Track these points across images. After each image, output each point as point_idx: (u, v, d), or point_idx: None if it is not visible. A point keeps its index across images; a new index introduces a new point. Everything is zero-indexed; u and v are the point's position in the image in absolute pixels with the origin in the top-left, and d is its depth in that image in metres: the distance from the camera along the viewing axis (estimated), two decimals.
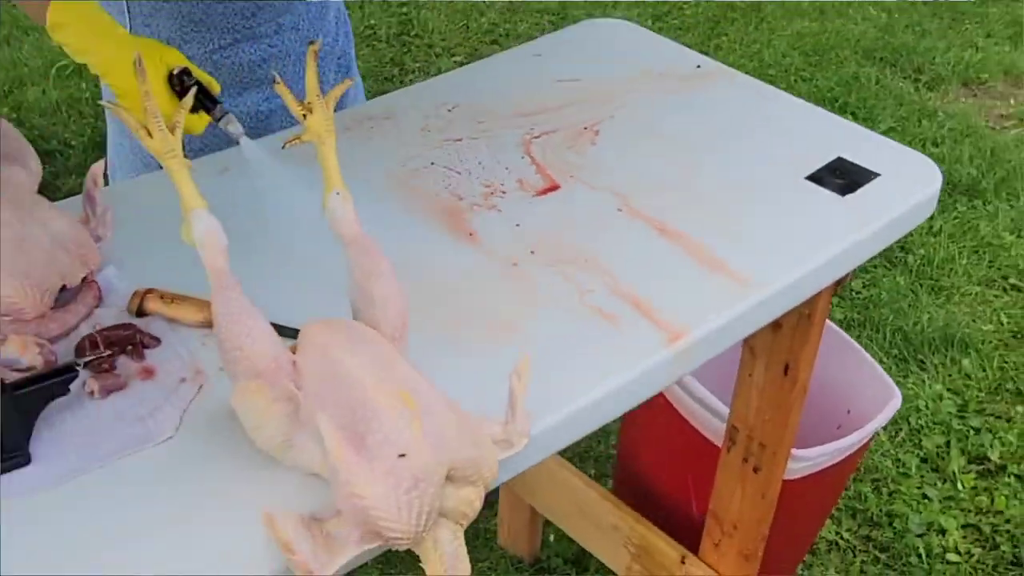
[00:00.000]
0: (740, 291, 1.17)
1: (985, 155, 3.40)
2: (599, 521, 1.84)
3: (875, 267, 2.91)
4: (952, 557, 2.17)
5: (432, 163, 1.38)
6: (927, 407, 2.50)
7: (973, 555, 2.18)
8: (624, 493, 1.99)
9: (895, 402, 1.77)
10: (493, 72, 1.60)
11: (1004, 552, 2.18)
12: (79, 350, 1.04)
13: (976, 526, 2.25)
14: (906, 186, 1.36)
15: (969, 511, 2.27)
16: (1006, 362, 2.65)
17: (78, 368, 0.96)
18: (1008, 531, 2.22)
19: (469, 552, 0.89)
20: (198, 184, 0.96)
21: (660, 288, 1.16)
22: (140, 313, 1.10)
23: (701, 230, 1.26)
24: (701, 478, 1.74)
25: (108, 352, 1.03)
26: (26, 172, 1.14)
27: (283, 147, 1.03)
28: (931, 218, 3.12)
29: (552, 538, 2.18)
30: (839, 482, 1.90)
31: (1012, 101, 3.78)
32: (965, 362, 2.63)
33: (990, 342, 2.70)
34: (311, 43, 1.02)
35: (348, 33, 1.70)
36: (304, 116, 1.01)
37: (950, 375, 2.60)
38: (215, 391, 1.03)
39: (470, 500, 0.90)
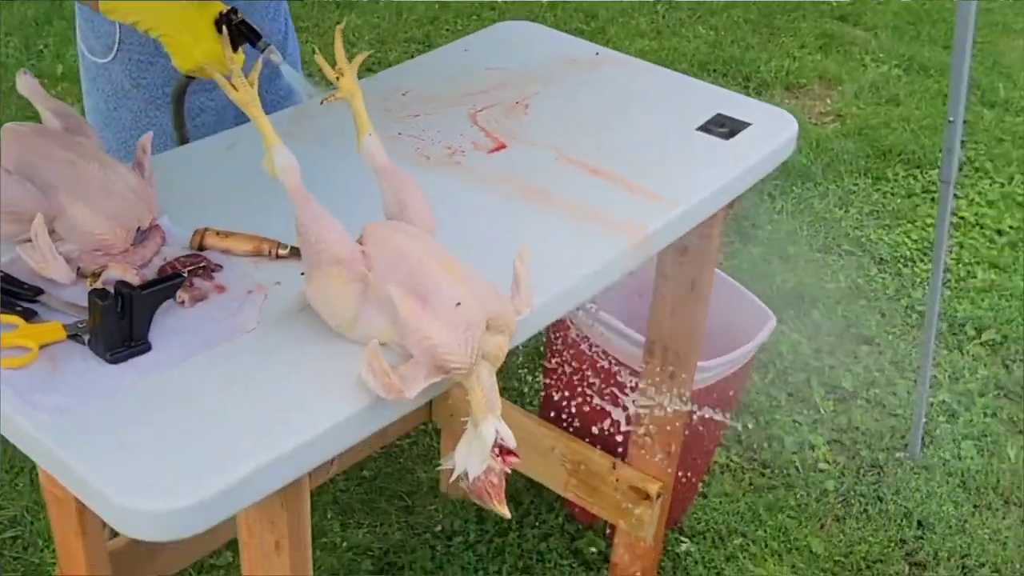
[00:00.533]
0: (664, 207, 1.52)
1: (812, 146, 3.91)
2: (537, 445, 2.15)
3: (732, 242, 3.34)
4: (823, 466, 2.58)
5: (399, 133, 1.68)
6: (788, 352, 2.92)
7: (839, 463, 2.59)
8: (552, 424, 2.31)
9: (771, 323, 2.17)
10: (434, 64, 1.92)
11: (864, 457, 2.60)
12: (161, 273, 1.30)
13: (839, 441, 2.67)
14: (772, 131, 1.75)
15: (832, 429, 2.69)
16: (847, 312, 3.11)
17: (184, 276, 1.22)
18: (865, 441, 2.65)
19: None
20: (211, 160, 1.24)
21: (608, 204, 1.50)
22: (200, 248, 1.36)
23: (624, 169, 1.60)
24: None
25: (189, 271, 1.29)
26: (91, 140, 1.39)
27: (321, 103, 1.32)
28: (774, 200, 3.60)
29: None
30: (732, 395, 2.27)
31: (828, 100, 4.33)
32: (815, 314, 3.07)
33: (832, 297, 3.16)
34: (337, 23, 1.32)
35: (295, 36, 1.99)
36: (337, 79, 1.31)
37: (804, 326, 3.03)
38: (276, 299, 1.30)
39: (500, 346, 1.20)
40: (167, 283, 1.20)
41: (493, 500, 1.23)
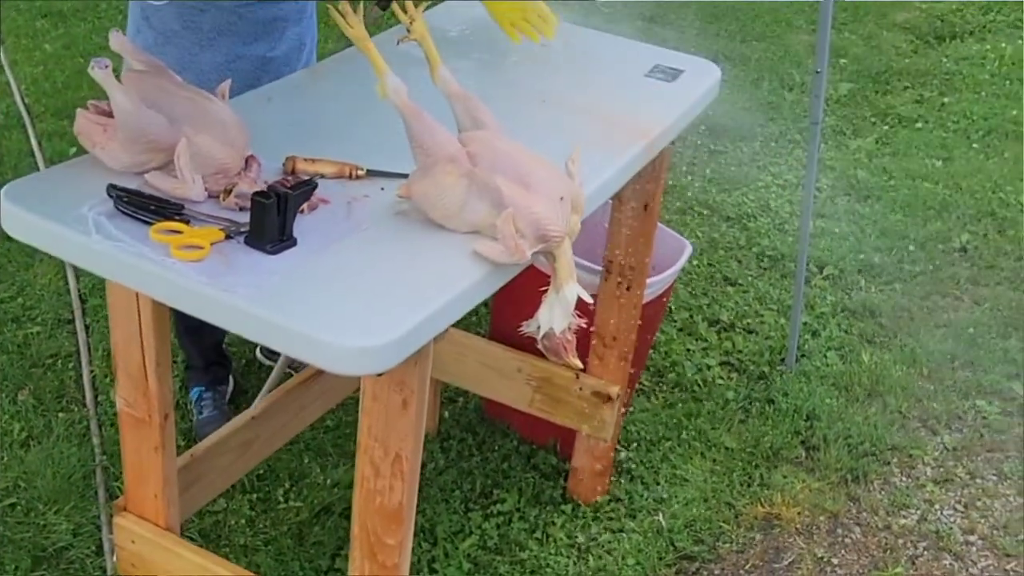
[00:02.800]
0: (641, 133, 1.87)
1: None
2: (502, 368, 2.45)
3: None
4: (720, 381, 3.00)
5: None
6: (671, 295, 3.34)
7: (732, 378, 3.03)
8: None
9: (688, 249, 2.56)
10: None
11: (752, 371, 3.05)
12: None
13: (728, 362, 3.10)
14: (701, 75, 2.14)
15: (721, 353, 3.12)
16: (711, 260, 3.57)
17: (316, 182, 1.47)
18: (750, 360, 3.09)
19: None
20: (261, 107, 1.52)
21: (613, 115, 1.84)
22: (292, 172, 1.61)
23: (600, 106, 1.95)
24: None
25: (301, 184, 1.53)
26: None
27: (397, 44, 1.60)
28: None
29: (447, 414, 2.75)
30: (657, 316, 2.65)
31: None
32: (694, 263, 3.51)
33: (700, 248, 3.61)
34: None
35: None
36: (411, 22, 1.59)
37: (680, 273, 3.47)
38: (370, 207, 1.56)
39: (576, 222, 1.52)
40: (308, 187, 1.45)
41: (569, 354, 1.55)
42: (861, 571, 2.43)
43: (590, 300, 1.53)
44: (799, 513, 2.57)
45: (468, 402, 2.80)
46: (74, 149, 3.78)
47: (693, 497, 2.58)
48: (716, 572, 2.41)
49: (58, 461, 2.48)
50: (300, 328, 1.28)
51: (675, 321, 3.24)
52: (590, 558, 2.40)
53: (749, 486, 2.65)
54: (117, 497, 2.38)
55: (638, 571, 2.38)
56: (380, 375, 1.42)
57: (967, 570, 2.45)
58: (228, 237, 1.42)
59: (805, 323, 3.25)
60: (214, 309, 1.35)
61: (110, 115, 1.52)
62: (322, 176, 1.61)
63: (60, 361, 2.83)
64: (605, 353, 2.36)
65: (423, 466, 2.57)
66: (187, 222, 1.44)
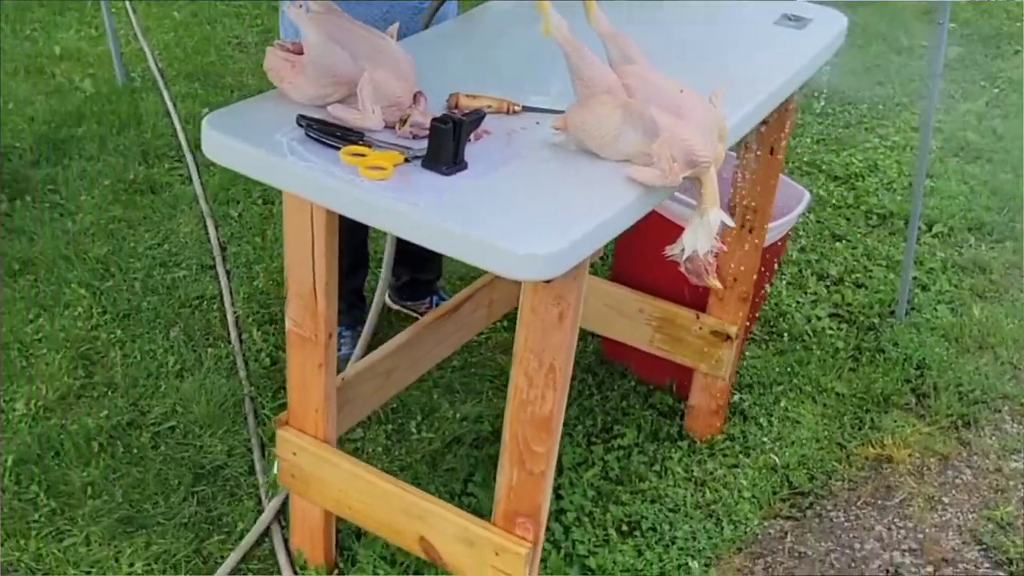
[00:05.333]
0: (769, 79, 1.96)
1: None
2: (624, 309, 2.57)
3: None
4: (829, 332, 3.08)
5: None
6: None
7: (842, 328, 3.10)
8: None
9: (807, 197, 2.65)
10: None
11: (861, 323, 3.12)
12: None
13: (837, 314, 3.18)
14: (828, 23, 2.23)
15: (830, 305, 3.20)
16: (820, 217, 3.64)
17: (485, 113, 1.60)
18: (860, 311, 3.16)
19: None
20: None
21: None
22: (455, 107, 1.74)
23: (729, 52, 2.05)
24: None
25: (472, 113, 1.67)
26: None
27: None
28: None
29: None
30: (777, 257, 2.74)
31: None
32: (803, 219, 3.58)
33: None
34: None
35: None
36: None
37: (791, 230, 3.55)
38: (530, 138, 1.69)
39: (721, 150, 1.63)
40: (478, 116, 1.58)
41: (710, 275, 1.66)
42: (971, 510, 2.51)
43: (732, 224, 1.64)
44: (909, 455, 2.65)
45: (587, 345, 2.93)
46: (206, 109, 4.00)
47: (805, 438, 2.68)
48: (829, 507, 2.51)
49: (210, 391, 2.68)
50: (481, 237, 1.42)
51: (785, 275, 3.32)
52: (707, 491, 2.51)
53: (860, 429, 2.73)
54: (265, 424, 2.57)
55: (753, 504, 2.49)
56: (548, 281, 1.55)
57: None
58: (406, 161, 1.56)
59: (915, 278, 3.31)
60: (400, 222, 1.49)
61: (296, 53, 1.68)
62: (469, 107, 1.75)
63: (205, 302, 3.04)
64: (725, 294, 2.46)
65: None
66: (369, 147, 1.58)
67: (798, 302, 3.20)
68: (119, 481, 2.40)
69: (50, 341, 2.82)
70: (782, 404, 2.80)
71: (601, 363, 2.88)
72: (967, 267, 3.40)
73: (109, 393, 2.65)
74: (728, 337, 2.48)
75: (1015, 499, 2.53)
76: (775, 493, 2.52)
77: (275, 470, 2.15)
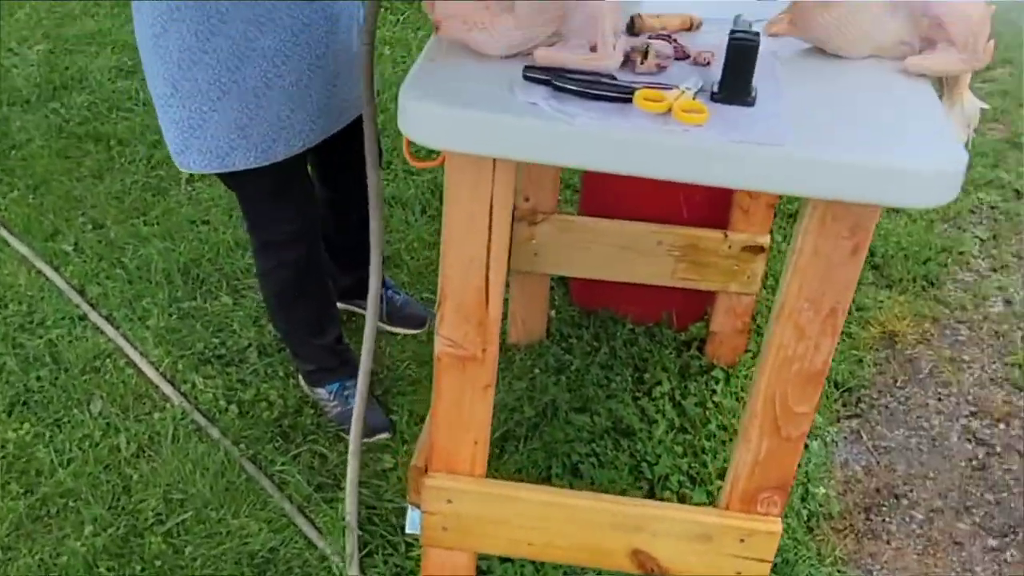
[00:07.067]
0: None
1: None
2: (641, 246, 2.33)
3: None
4: None
5: None
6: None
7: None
8: None
9: None
10: None
11: None
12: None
13: None
14: None
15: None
16: None
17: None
18: None
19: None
20: None
21: None
22: (637, 30, 1.42)
23: None
24: (690, 191, 2.32)
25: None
26: None
27: None
28: None
29: (554, 313, 2.60)
30: None
31: None
32: None
33: None
34: None
35: None
36: None
37: None
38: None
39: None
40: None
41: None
42: (992, 360, 2.57)
43: (987, 106, 1.48)
44: (908, 325, 2.67)
45: (556, 297, 2.66)
46: None
47: None
48: (876, 396, 2.46)
49: (196, 463, 2.12)
50: (878, 163, 1.15)
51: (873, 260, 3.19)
52: None
53: (849, 314, 2.71)
54: (284, 486, 2.09)
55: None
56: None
57: None
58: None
59: None
60: (753, 168, 1.18)
61: None
62: (665, 29, 1.44)
63: (109, 361, 2.40)
64: (750, 204, 2.30)
65: (564, 368, 2.45)
66: (633, 91, 1.23)
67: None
68: None
69: None
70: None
71: (584, 315, 2.62)
72: None
73: (70, 504, 2.02)
74: (762, 249, 2.33)
75: (1016, 340, 2.63)
76: (828, 398, 2.44)
77: (411, 528, 1.73)
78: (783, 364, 1.50)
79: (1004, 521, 2.13)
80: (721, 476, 2.18)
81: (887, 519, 2.14)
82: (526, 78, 1.24)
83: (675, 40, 1.37)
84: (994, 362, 2.57)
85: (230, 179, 1.88)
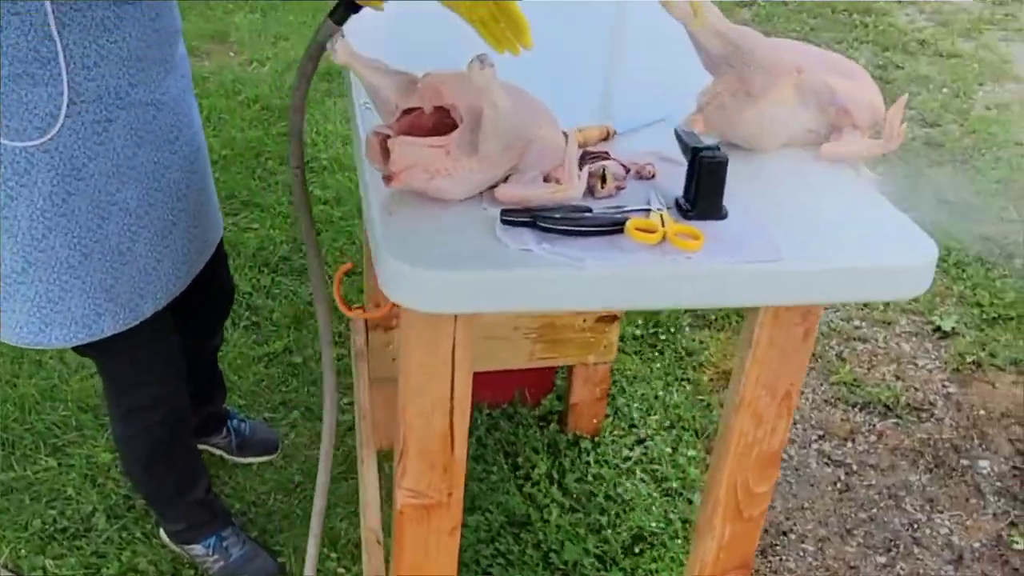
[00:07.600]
0: None
1: None
2: (500, 333, 2.30)
3: None
4: None
5: None
6: None
7: None
8: None
9: None
10: None
11: None
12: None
13: None
14: None
15: None
16: None
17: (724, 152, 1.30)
18: None
19: None
20: None
21: None
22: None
23: None
24: None
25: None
26: None
27: None
28: None
29: None
30: None
31: None
32: None
33: None
34: None
35: None
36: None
37: None
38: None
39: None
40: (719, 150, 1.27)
41: None
42: (886, 369, 2.74)
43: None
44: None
45: None
46: None
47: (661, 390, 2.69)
48: None
49: None
50: (864, 264, 1.19)
51: None
52: (656, 471, 2.41)
53: (685, 359, 2.81)
54: None
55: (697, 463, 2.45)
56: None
57: None
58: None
59: None
60: (769, 288, 1.18)
61: (427, 134, 1.20)
62: (586, 144, 1.42)
63: None
64: None
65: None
66: (622, 222, 1.20)
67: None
68: None
69: None
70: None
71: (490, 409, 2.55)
72: None
73: None
74: (615, 318, 2.36)
75: (832, 358, 2.83)
76: (695, 448, 2.51)
77: None
78: (744, 451, 1.51)
79: (884, 536, 2.27)
80: (627, 551, 2.19)
81: (783, 557, 2.23)
82: (504, 222, 1.18)
83: (614, 156, 1.36)
84: (822, 384, 2.74)
85: (93, 348, 1.67)
